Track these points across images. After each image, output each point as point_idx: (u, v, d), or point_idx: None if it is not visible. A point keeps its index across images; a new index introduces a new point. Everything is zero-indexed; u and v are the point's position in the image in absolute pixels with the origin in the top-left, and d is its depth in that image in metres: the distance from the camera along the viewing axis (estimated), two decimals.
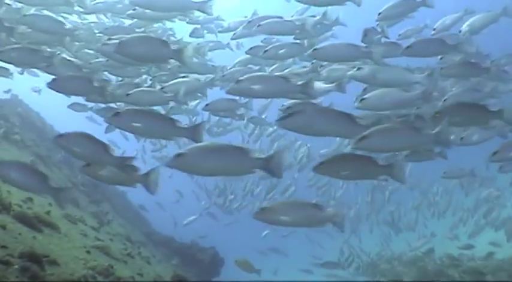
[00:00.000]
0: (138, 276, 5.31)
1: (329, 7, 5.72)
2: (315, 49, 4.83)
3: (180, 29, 6.86)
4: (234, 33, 6.30)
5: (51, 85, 4.53)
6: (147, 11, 5.43)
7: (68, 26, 5.50)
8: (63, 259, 3.89)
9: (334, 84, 4.99)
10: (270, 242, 16.23)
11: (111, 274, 4.28)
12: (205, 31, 6.94)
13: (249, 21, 5.80)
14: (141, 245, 8.90)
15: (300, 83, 4.15)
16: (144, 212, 13.88)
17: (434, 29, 5.95)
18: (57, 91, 4.60)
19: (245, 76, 4.16)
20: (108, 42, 5.12)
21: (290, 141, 10.90)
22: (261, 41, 6.08)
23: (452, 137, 5.56)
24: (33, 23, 5.22)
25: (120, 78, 6.11)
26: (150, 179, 3.67)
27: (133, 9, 5.52)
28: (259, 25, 5.45)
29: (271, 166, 3.29)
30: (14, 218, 4.27)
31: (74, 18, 6.45)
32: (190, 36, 6.86)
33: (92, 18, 6.52)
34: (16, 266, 2.85)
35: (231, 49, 7.15)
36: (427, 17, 6.24)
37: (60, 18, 5.70)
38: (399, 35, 6.07)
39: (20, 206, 4.90)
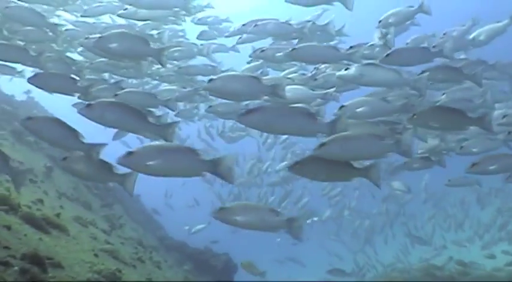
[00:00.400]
0: None
1: (333, 15, 5.79)
2: (293, 49, 4.80)
3: (192, 31, 6.84)
4: (240, 38, 6.24)
5: (31, 80, 4.50)
6: (139, 11, 5.45)
7: (54, 20, 5.52)
8: (68, 262, 3.82)
9: (324, 91, 4.99)
10: (284, 251, 16.11)
11: (117, 278, 4.20)
12: (215, 32, 6.86)
13: (243, 25, 5.80)
14: (152, 250, 8.82)
15: (271, 84, 4.14)
16: (158, 216, 13.82)
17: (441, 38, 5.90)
18: (37, 87, 4.56)
19: (218, 75, 4.21)
20: (90, 36, 5.11)
21: (302, 150, 10.81)
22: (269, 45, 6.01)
23: (452, 145, 5.53)
24: (13, 15, 5.18)
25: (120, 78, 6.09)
26: (127, 180, 3.70)
27: (125, 9, 5.52)
28: (255, 25, 5.48)
29: (220, 170, 3.35)
30: (21, 218, 4.22)
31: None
32: (197, 38, 6.80)
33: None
34: (16, 268, 2.77)
35: (237, 51, 7.04)
36: (435, 26, 6.16)
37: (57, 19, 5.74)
38: (407, 43, 5.97)
39: (29, 207, 4.85)
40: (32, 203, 5.16)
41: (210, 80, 4.12)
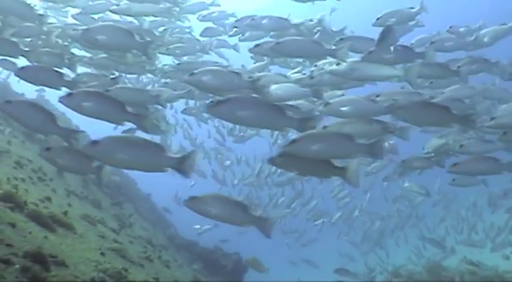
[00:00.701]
0: (153, 281, 5.17)
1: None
2: (277, 43, 4.81)
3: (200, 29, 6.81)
4: (242, 35, 6.21)
5: (19, 73, 4.55)
6: (132, 5, 5.50)
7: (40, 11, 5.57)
8: (73, 260, 3.77)
9: (311, 88, 4.98)
10: (294, 252, 16.05)
11: (123, 278, 4.14)
12: (221, 28, 6.81)
13: (237, 20, 5.79)
14: (162, 249, 8.79)
15: (251, 78, 4.24)
16: (169, 215, 13.82)
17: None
18: (24, 80, 4.60)
19: (200, 69, 4.27)
20: (78, 27, 5.17)
21: None
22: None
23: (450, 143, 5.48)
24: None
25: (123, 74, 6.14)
26: (102, 171, 3.83)
27: (117, 5, 5.55)
28: (252, 19, 5.56)
29: (183, 167, 3.40)
30: (26, 216, 4.17)
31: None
32: (201, 35, 6.78)
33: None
34: (17, 266, 2.73)
35: (238, 51, 6.99)
36: (440, 26, 6.20)
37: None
38: (411, 43, 5.91)
39: (36, 205, 4.83)
40: (40, 200, 5.14)
41: (191, 73, 4.17)
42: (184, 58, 6.24)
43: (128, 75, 6.91)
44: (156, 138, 10.69)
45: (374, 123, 4.56)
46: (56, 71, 4.75)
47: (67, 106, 3.83)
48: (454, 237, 15.04)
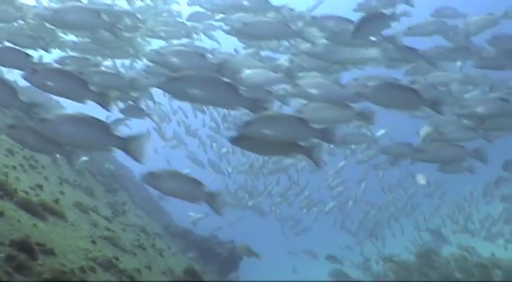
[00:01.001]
0: (146, 270, 5.14)
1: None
2: (244, 24, 4.92)
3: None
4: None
5: None
6: None
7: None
8: (62, 249, 3.74)
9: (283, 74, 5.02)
10: (291, 242, 16.06)
11: (113, 266, 4.12)
12: (209, 13, 6.72)
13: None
14: (156, 237, 8.77)
15: (216, 62, 4.35)
16: (164, 202, 13.78)
17: None
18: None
19: (166, 49, 4.40)
20: (47, 7, 5.21)
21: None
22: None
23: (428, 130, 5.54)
24: None
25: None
26: (73, 154, 3.97)
27: None
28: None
29: (130, 147, 3.44)
30: (16, 204, 4.13)
31: None
32: (187, 19, 6.71)
33: None
34: (1, 255, 2.69)
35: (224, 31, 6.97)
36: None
37: None
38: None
39: (27, 193, 4.78)
40: (30, 188, 5.09)
41: (157, 52, 4.30)
42: (175, 42, 6.21)
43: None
44: (151, 126, 10.73)
45: (348, 108, 4.61)
46: (24, 52, 4.72)
47: (30, 83, 3.87)
48: (450, 227, 15.12)
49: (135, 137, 3.47)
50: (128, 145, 3.43)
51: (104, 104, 4.01)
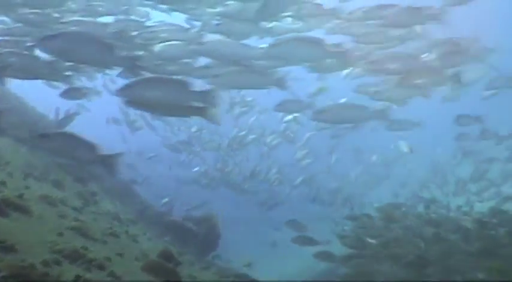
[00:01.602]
0: (117, 257, 5.11)
1: None
2: None
3: None
4: None
5: None
6: None
7: None
8: (25, 244, 3.68)
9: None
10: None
11: (81, 257, 4.07)
12: None
13: None
14: (130, 223, 8.73)
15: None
16: (137, 187, 13.68)
17: None
18: None
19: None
20: None
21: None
22: None
23: None
24: None
25: None
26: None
27: None
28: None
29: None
30: None
31: None
32: None
33: None
34: None
35: None
36: None
37: None
38: None
39: None
40: None
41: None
42: None
43: None
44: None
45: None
46: None
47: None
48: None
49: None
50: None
51: (54, 78, 4.12)
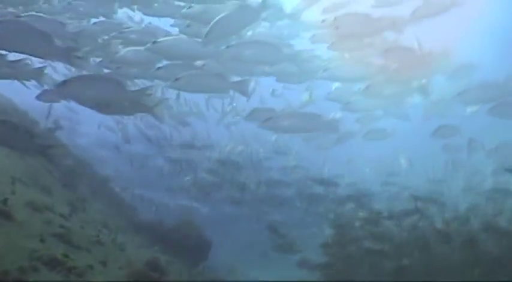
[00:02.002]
0: (100, 265, 5.05)
1: None
2: None
3: None
4: None
5: None
6: None
7: None
8: (3, 250, 3.63)
9: None
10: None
11: (60, 264, 4.02)
12: None
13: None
14: (119, 231, 8.65)
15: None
16: (128, 195, 13.62)
17: None
18: None
19: None
20: None
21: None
22: None
23: None
24: None
25: None
26: None
27: None
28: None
29: None
30: None
31: None
32: None
33: None
34: None
35: None
36: None
37: None
38: None
39: None
40: None
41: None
42: None
43: None
44: None
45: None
46: None
47: None
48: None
49: None
50: None
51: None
